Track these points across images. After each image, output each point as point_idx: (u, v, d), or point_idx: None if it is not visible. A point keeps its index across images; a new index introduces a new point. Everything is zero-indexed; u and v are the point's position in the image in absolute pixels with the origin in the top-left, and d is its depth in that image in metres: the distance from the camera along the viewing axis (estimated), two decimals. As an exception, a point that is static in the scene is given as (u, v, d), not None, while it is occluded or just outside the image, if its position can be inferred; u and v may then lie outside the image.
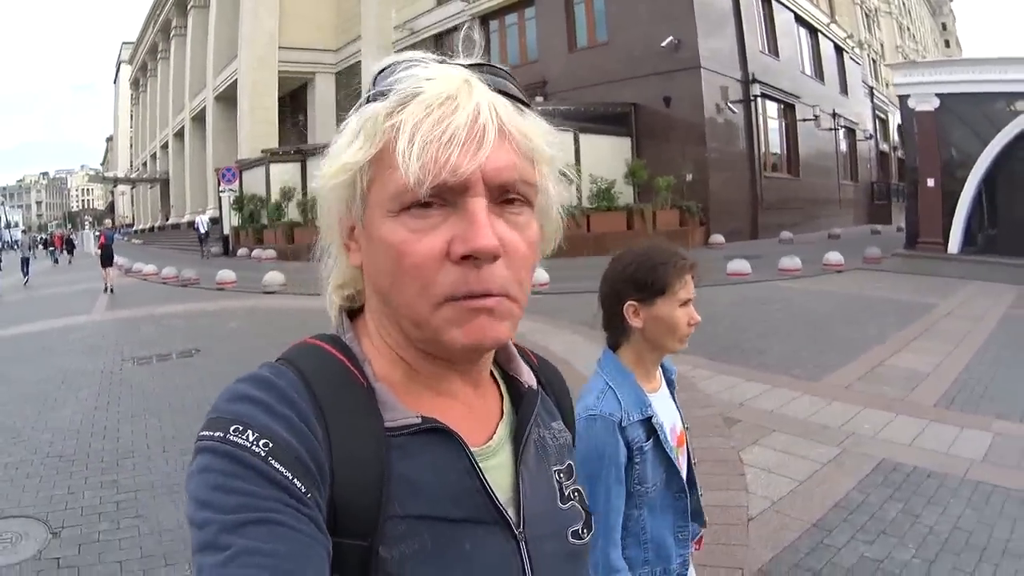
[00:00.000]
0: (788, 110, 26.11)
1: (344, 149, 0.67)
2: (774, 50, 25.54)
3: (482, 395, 0.77)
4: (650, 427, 1.63)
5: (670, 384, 1.84)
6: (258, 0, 33.24)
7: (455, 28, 27.57)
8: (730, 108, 20.95)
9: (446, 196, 0.62)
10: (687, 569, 1.75)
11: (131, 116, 68.81)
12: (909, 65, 21.75)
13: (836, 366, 6.83)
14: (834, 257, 14.84)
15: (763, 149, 23.58)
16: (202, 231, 26.81)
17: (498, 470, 0.72)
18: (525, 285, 0.67)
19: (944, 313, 9.84)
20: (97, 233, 33.56)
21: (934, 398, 5.84)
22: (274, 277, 14.65)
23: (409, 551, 0.62)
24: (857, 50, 36.11)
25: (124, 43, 70.00)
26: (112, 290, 16.37)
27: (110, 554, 3.49)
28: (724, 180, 20.84)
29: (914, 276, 13.99)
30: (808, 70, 29.22)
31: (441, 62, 0.67)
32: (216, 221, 28.38)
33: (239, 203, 25.07)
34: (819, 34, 30.63)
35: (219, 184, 26.34)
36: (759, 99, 22.96)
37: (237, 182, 25.60)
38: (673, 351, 1.72)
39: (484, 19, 26.31)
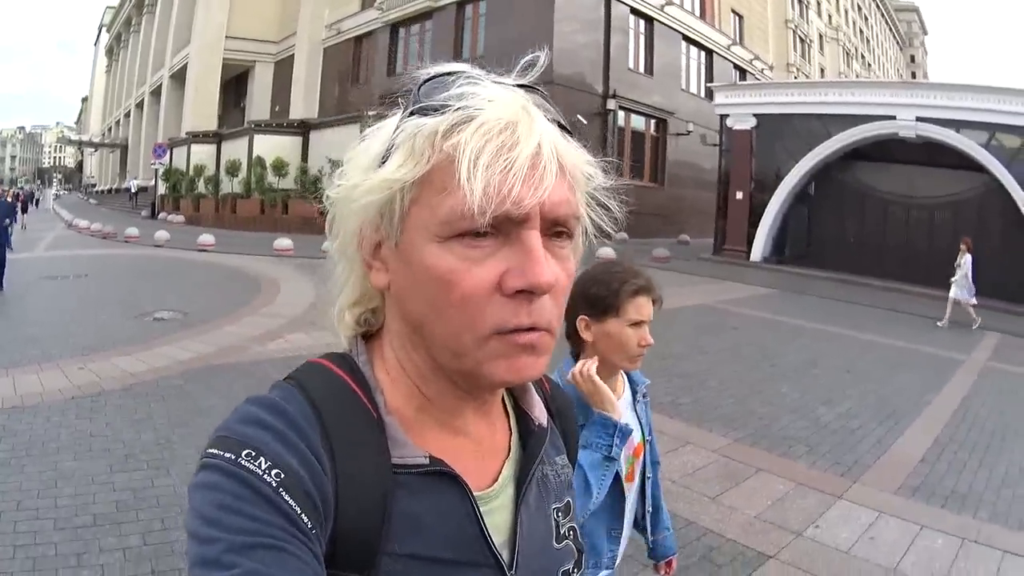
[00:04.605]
0: (660, 124, 29.41)
1: (374, 160, 0.66)
2: (649, 69, 28.74)
3: (491, 428, 0.77)
4: None
5: (635, 395, 1.91)
6: (210, -8, 36.59)
7: (370, 33, 31.13)
8: (579, 119, 24.34)
9: (501, 227, 0.60)
10: (614, 564, 1.84)
11: (105, 81, 71.49)
12: (730, 87, 23.78)
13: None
14: (603, 252, 17.64)
15: (615, 158, 26.86)
16: (132, 190, 32.94)
17: (499, 512, 0.73)
18: (561, 318, 0.67)
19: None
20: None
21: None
22: (162, 235, 18.74)
23: None
24: (768, 72, 38.35)
25: (108, 7, 71.66)
26: (25, 227, 22.08)
27: None
28: (560, 184, 24.13)
29: (684, 275, 15.87)
30: (694, 88, 32.39)
31: (495, 81, 0.65)
32: (146, 189, 32.63)
33: (166, 175, 28.75)
34: (714, 55, 33.46)
35: (152, 158, 29.89)
36: (616, 113, 26.28)
37: (167, 157, 29.09)
38: (623, 369, 1.82)
39: (394, 27, 29.81)
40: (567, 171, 0.64)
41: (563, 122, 0.67)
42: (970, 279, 12.69)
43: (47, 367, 6.42)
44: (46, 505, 3.77)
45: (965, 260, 12.81)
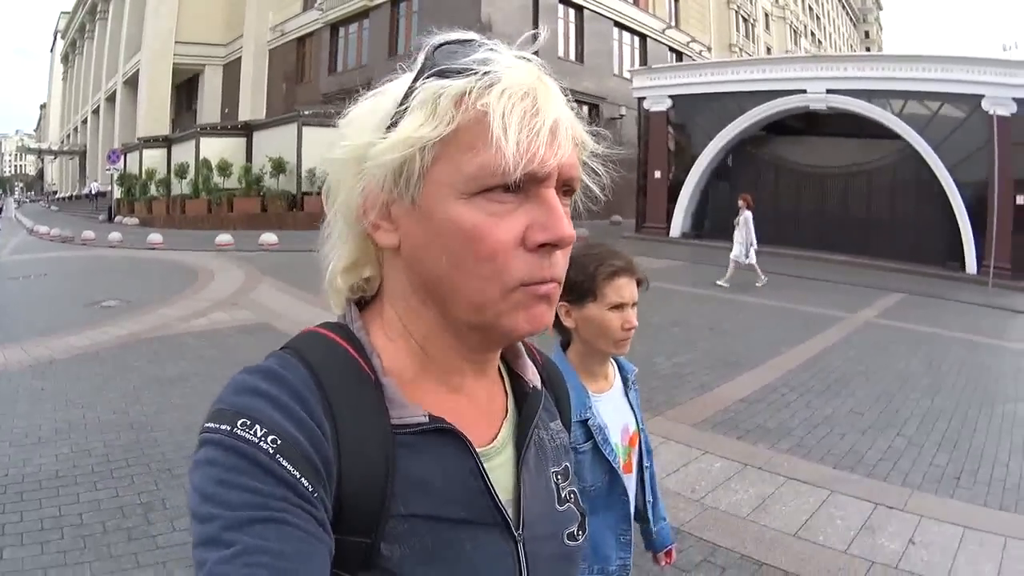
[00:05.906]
0: (592, 110, 30.78)
1: (383, 121, 0.67)
2: (580, 57, 30.12)
3: (489, 389, 0.78)
4: (587, 429, 1.66)
5: (626, 383, 1.88)
6: (160, 0, 37.59)
7: (312, 33, 32.46)
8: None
9: (523, 185, 0.63)
10: (627, 574, 1.77)
11: (62, 88, 71.54)
12: (646, 70, 24.65)
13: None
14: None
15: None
16: (93, 192, 36.24)
17: (500, 470, 0.73)
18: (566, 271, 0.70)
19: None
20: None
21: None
22: (115, 236, 20.20)
23: (410, 550, 0.63)
24: (706, 53, 39.32)
25: (62, 13, 71.30)
26: None
27: None
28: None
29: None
30: (627, 73, 33.56)
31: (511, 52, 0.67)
32: (104, 194, 34.62)
33: (121, 180, 30.19)
34: (648, 39, 34.69)
35: (107, 164, 31.21)
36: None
37: (121, 162, 30.42)
38: (609, 353, 1.78)
39: (334, 27, 31.24)
40: (575, 138, 0.68)
41: (565, 90, 0.70)
42: (752, 236, 12.76)
43: (10, 346, 7.84)
44: (5, 431, 5.26)
45: (744, 217, 12.85)
